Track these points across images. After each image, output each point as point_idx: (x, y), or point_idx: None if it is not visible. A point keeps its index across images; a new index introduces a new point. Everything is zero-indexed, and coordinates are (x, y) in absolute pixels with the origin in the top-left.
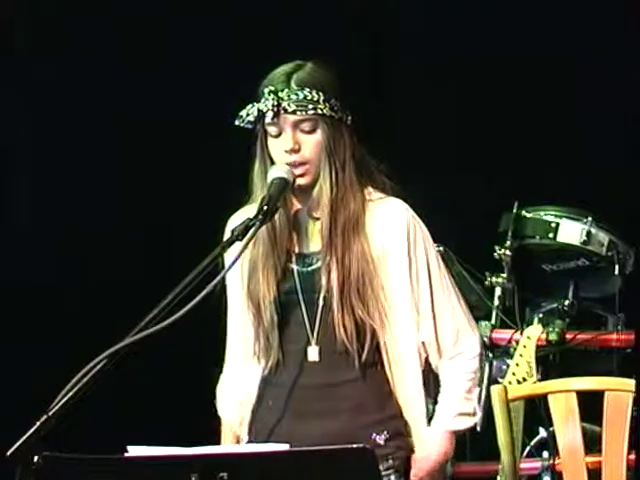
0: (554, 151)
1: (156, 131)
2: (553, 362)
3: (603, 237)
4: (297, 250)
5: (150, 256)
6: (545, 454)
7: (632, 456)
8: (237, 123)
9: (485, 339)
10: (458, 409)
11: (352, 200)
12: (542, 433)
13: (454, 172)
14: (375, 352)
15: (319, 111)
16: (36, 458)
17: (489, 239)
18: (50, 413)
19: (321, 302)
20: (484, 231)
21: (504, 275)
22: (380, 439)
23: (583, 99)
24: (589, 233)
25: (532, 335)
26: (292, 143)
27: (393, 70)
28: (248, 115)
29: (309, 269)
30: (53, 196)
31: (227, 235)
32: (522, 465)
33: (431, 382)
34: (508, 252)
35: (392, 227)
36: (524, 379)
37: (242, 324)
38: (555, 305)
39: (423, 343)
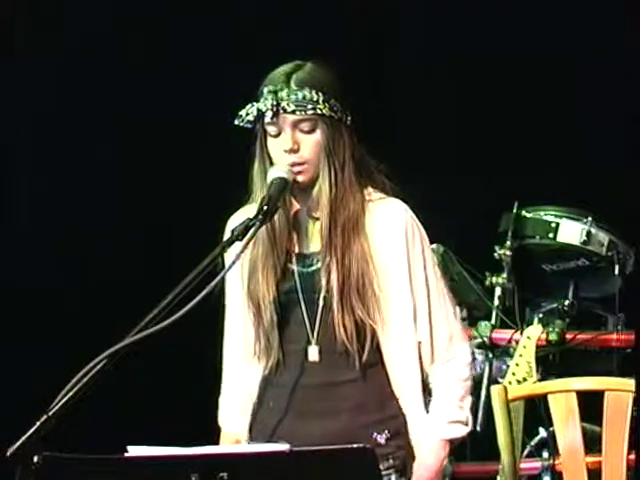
0: (554, 151)
1: (156, 131)
2: (553, 362)
3: (603, 237)
4: (297, 250)
5: (150, 256)
6: (545, 454)
7: (632, 456)
8: (237, 123)
9: (485, 339)
10: (452, 417)
11: (352, 200)
12: (542, 433)
13: (454, 172)
14: (375, 352)
15: (318, 111)
16: (36, 458)
17: (489, 239)
18: (50, 413)
19: (321, 302)
20: (484, 231)
21: (504, 275)
22: (381, 438)
23: (583, 99)
24: (589, 233)
25: (532, 335)
26: (291, 143)
27: (393, 70)
28: (247, 115)
29: (309, 269)
30: (53, 196)
31: (227, 235)
32: (522, 465)
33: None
34: (508, 252)
35: (391, 227)
36: (524, 379)
37: (243, 325)
38: (555, 305)
39: (419, 343)
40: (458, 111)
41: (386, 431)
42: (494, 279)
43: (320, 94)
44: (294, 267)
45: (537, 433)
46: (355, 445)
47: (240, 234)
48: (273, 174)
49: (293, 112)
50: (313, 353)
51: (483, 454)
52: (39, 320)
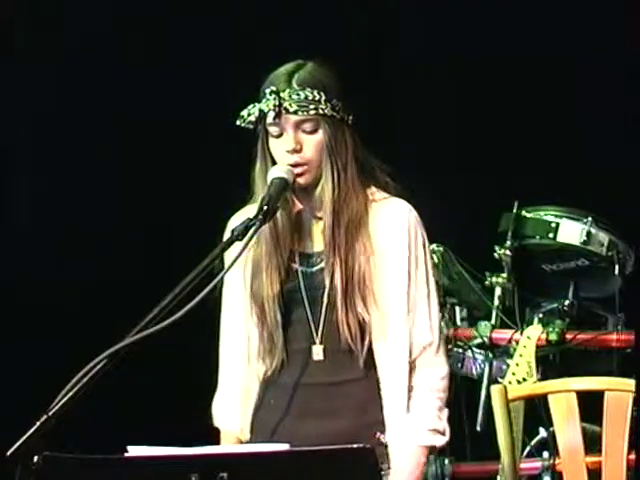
0: (554, 151)
1: (156, 131)
2: (553, 362)
3: (603, 237)
4: (300, 250)
5: (150, 256)
6: (545, 454)
7: (632, 456)
8: (238, 123)
9: (485, 339)
10: (431, 425)
11: (354, 200)
12: (542, 433)
13: (454, 172)
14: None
15: (320, 111)
16: (36, 458)
17: (489, 239)
18: (50, 413)
19: (325, 301)
20: (484, 231)
21: (504, 275)
22: (384, 438)
23: (583, 99)
24: (589, 233)
25: (532, 335)
26: (294, 143)
27: (393, 70)
28: (249, 115)
29: (313, 269)
30: (53, 196)
31: (227, 235)
32: (522, 465)
33: None
34: (508, 252)
35: (395, 227)
36: (524, 379)
37: (244, 325)
38: (555, 305)
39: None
40: (458, 111)
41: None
42: (494, 279)
43: (322, 94)
44: (297, 267)
45: (537, 433)
46: (355, 445)
47: (240, 234)
48: (273, 174)
49: (295, 112)
50: (317, 352)
51: (483, 454)
52: (39, 320)
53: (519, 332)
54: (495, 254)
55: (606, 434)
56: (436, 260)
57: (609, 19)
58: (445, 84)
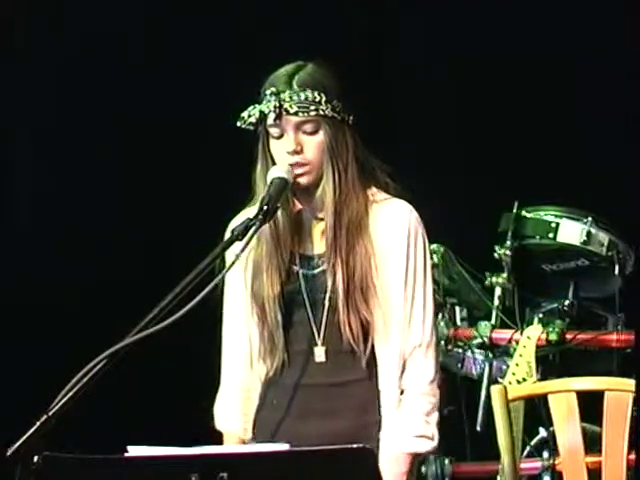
0: (554, 151)
1: (156, 131)
2: (553, 362)
3: (603, 237)
4: (301, 252)
5: (150, 256)
6: (545, 454)
7: (632, 456)
8: (239, 124)
9: (485, 339)
10: (418, 431)
11: (355, 201)
12: (542, 433)
13: (454, 172)
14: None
15: (321, 112)
16: (36, 458)
17: (489, 239)
18: (50, 413)
19: (327, 303)
20: (484, 231)
21: (504, 275)
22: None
23: (583, 99)
24: (589, 233)
25: (532, 335)
26: (294, 144)
27: (393, 70)
28: (250, 117)
29: (314, 271)
30: (53, 196)
31: (227, 235)
32: (522, 465)
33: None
34: (508, 252)
35: (395, 228)
36: (524, 379)
37: (245, 326)
38: (555, 305)
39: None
40: (458, 111)
41: None
42: (494, 279)
43: (322, 95)
44: (298, 269)
45: (537, 433)
46: (355, 445)
47: (240, 234)
48: (273, 174)
49: (296, 113)
50: (320, 354)
51: (483, 454)
52: (39, 320)
53: (519, 332)
54: (495, 254)
55: (606, 434)
56: (436, 260)
57: (609, 19)
58: (445, 84)
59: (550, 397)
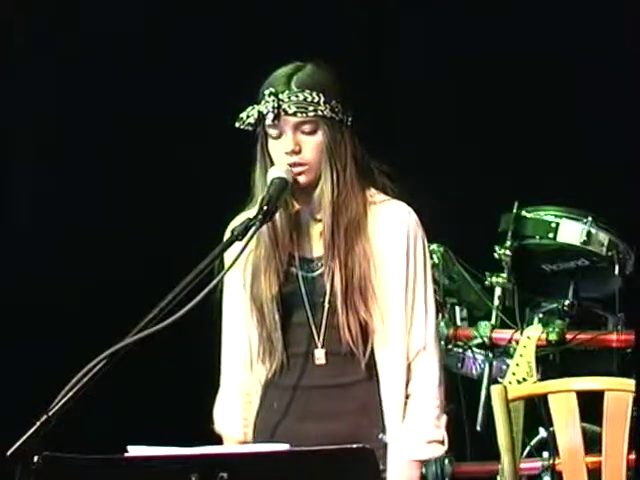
0: (554, 151)
1: (156, 131)
2: (553, 362)
3: (603, 237)
4: (300, 254)
5: (150, 256)
6: (545, 454)
7: (632, 456)
8: (237, 125)
9: (485, 339)
10: (429, 436)
11: (354, 201)
12: (542, 433)
13: (454, 172)
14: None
15: (319, 112)
16: (36, 458)
17: (489, 239)
18: (50, 413)
19: (326, 305)
20: (484, 231)
21: (504, 275)
22: (387, 439)
23: (583, 99)
24: (589, 233)
25: (532, 335)
26: (293, 145)
27: (393, 70)
28: (248, 117)
29: (314, 274)
30: (53, 196)
31: (227, 236)
32: (522, 465)
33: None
34: (508, 252)
35: (394, 229)
36: (524, 379)
37: (245, 328)
38: (555, 305)
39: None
40: (458, 111)
41: None
42: (494, 279)
43: (321, 95)
44: (298, 271)
45: (537, 433)
46: (355, 445)
47: (240, 234)
48: (273, 174)
49: (294, 114)
50: (320, 356)
51: (483, 454)
52: (39, 320)
53: (519, 332)
54: (495, 254)
55: (606, 434)
56: (436, 260)
57: (609, 19)
58: (445, 84)
59: (550, 397)
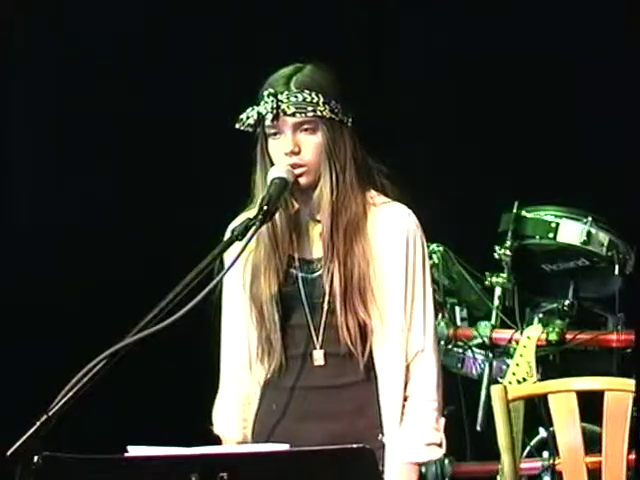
0: (554, 151)
1: (155, 131)
2: (553, 362)
3: (603, 237)
4: (300, 256)
5: (150, 256)
6: (545, 454)
7: (632, 456)
8: (237, 126)
9: (485, 339)
10: (428, 439)
11: (353, 202)
12: (542, 433)
13: (454, 172)
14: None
15: (319, 113)
16: (36, 458)
17: (489, 239)
18: (50, 413)
19: (325, 306)
20: (484, 231)
21: (504, 275)
22: (384, 439)
23: (583, 99)
24: (589, 233)
25: (532, 335)
26: (292, 145)
27: (393, 70)
28: (248, 118)
29: (313, 275)
30: (53, 196)
31: (227, 236)
32: (522, 465)
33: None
34: (508, 252)
35: (393, 231)
36: (524, 379)
37: (244, 328)
38: (555, 305)
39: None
40: (458, 111)
41: None
42: (494, 279)
43: (320, 96)
44: (297, 273)
45: (537, 433)
46: (355, 445)
47: (240, 234)
48: (273, 174)
49: (293, 114)
50: (318, 357)
51: (483, 454)
52: (39, 320)
53: (519, 332)
54: (495, 254)
55: (606, 434)
56: (436, 260)
57: (609, 19)
58: (445, 84)
59: (550, 397)
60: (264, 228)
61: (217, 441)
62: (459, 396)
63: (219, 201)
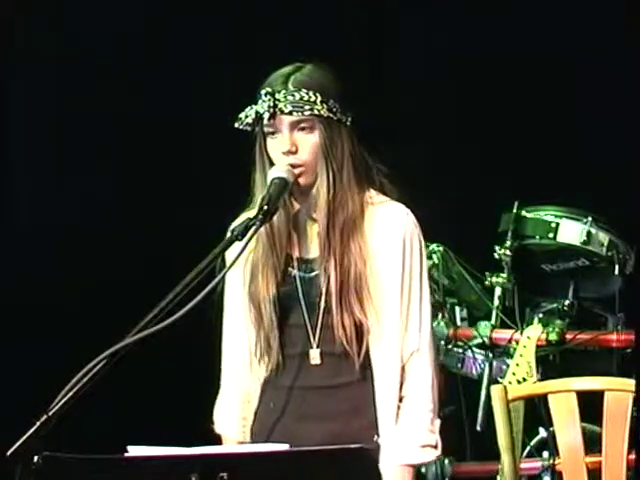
0: (554, 151)
1: (155, 131)
2: (553, 362)
3: (603, 237)
4: (298, 255)
5: (150, 256)
6: (545, 454)
7: (632, 456)
8: (236, 125)
9: (485, 339)
10: (423, 440)
11: (350, 202)
12: (542, 433)
13: (454, 172)
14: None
15: (316, 112)
16: (36, 458)
17: (489, 239)
18: (50, 413)
19: (322, 305)
20: (484, 231)
21: (504, 275)
22: (380, 440)
23: (583, 99)
24: (589, 233)
25: (532, 335)
26: (289, 144)
27: (393, 70)
28: (246, 117)
29: (311, 274)
30: (53, 196)
31: (228, 236)
32: (522, 465)
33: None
34: (508, 252)
35: (390, 231)
36: (524, 379)
37: (244, 327)
38: (555, 305)
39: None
40: (458, 111)
41: None
42: (494, 279)
43: (318, 95)
44: (295, 272)
45: (537, 433)
46: (355, 445)
47: (240, 234)
48: (273, 174)
49: (290, 113)
50: (314, 357)
51: (483, 454)
52: (39, 320)
53: (519, 332)
54: (495, 254)
55: (606, 434)
56: (436, 260)
57: (609, 19)
58: (445, 84)
59: (550, 397)
60: (262, 228)
61: (217, 441)
62: (459, 396)
63: (219, 201)
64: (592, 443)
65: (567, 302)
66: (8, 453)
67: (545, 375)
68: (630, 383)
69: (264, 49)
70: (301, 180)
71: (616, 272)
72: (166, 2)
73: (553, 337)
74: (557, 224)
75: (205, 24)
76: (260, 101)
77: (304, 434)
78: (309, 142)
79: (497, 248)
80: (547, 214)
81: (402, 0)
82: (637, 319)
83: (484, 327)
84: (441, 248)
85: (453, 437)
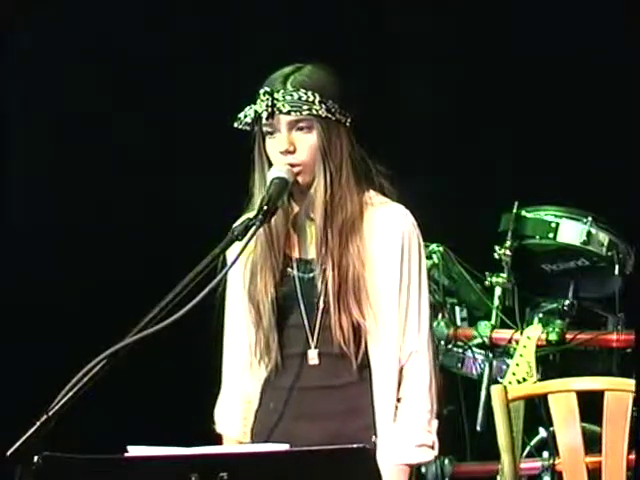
0: (554, 151)
1: (155, 131)
2: (553, 362)
3: (603, 237)
4: (297, 255)
5: (150, 256)
6: (545, 454)
7: (632, 456)
8: (235, 125)
9: (485, 339)
10: (419, 440)
11: (348, 202)
12: (542, 433)
13: (454, 172)
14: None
15: (314, 112)
16: (36, 458)
17: (489, 239)
18: (50, 413)
19: (321, 306)
20: (484, 231)
21: (504, 275)
22: (377, 440)
23: (583, 99)
24: (589, 233)
25: (532, 335)
26: (287, 144)
27: (393, 70)
28: (246, 117)
29: (309, 275)
30: (52, 196)
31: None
32: (522, 465)
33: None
34: (508, 252)
35: (389, 231)
36: (524, 379)
37: (244, 327)
38: (555, 305)
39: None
40: (458, 111)
41: None
42: (494, 279)
43: (316, 95)
44: (294, 272)
45: (537, 433)
46: (355, 445)
47: (240, 234)
48: (273, 174)
49: (288, 112)
50: (313, 357)
51: (483, 454)
52: (39, 320)
53: (519, 332)
54: (495, 254)
55: (606, 434)
56: (436, 260)
57: (609, 19)
58: (445, 84)
59: (550, 397)
60: (261, 229)
61: (217, 441)
62: (459, 396)
63: (219, 201)
64: (592, 443)
65: (567, 302)
66: (8, 453)
67: (545, 375)
68: (630, 383)
69: (264, 49)
70: (301, 181)
71: (616, 272)
72: (166, 2)
73: (553, 337)
74: (557, 224)
75: (205, 24)
76: (259, 101)
77: (302, 434)
78: (307, 142)
79: (497, 248)
80: (547, 214)
81: (402, 0)
82: (637, 319)
83: (484, 327)
84: (441, 248)
85: (453, 437)
